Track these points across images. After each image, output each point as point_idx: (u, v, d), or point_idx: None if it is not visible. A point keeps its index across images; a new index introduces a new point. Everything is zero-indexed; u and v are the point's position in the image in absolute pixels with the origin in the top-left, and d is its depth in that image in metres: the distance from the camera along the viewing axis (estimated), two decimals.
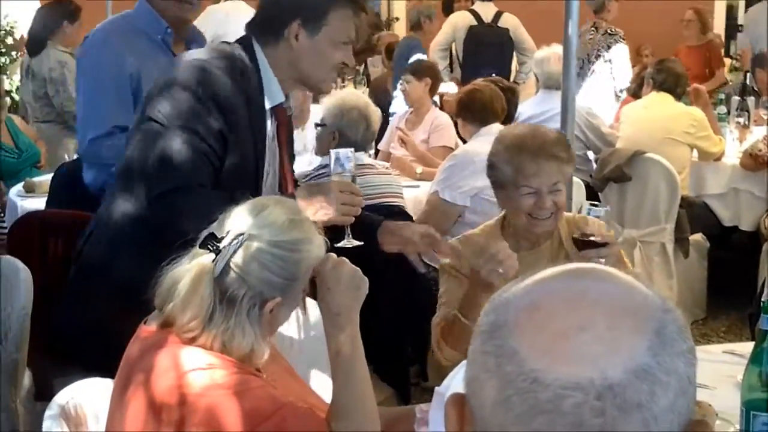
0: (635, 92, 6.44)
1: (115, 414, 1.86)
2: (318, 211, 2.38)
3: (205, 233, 1.82)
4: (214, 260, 1.76)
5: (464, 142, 4.91)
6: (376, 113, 4.36)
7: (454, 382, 1.92)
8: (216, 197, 2.24)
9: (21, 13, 8.50)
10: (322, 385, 2.27)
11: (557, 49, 5.61)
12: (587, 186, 5.13)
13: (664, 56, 9.76)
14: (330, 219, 2.39)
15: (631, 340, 0.79)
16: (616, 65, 7.06)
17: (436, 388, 1.95)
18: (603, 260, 2.48)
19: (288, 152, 2.72)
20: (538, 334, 0.81)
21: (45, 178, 4.67)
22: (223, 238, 1.78)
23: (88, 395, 2.07)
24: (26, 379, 3.20)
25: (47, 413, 1.99)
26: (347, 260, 1.93)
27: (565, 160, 2.72)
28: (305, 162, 5.04)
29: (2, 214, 4.10)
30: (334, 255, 1.91)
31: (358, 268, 1.92)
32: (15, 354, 2.97)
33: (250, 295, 1.77)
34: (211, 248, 1.77)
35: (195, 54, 2.52)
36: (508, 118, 4.80)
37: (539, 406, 0.77)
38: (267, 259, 1.77)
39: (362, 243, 2.22)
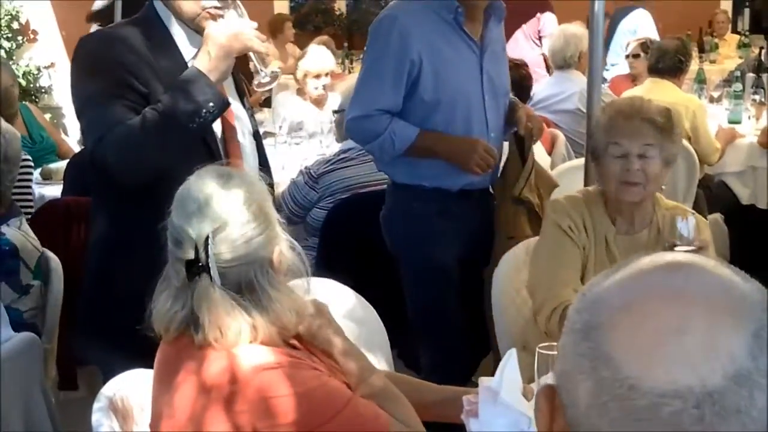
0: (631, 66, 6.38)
1: (159, 400, 1.82)
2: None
3: (176, 259, 1.76)
4: (210, 278, 1.71)
5: None
6: None
7: (506, 376, 1.89)
8: (133, 125, 2.28)
9: None
10: None
11: (574, 28, 5.58)
12: None
13: None
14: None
15: (731, 342, 0.76)
16: None
17: (485, 383, 1.92)
18: None
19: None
20: (633, 338, 0.78)
21: (62, 165, 4.63)
22: (197, 255, 1.72)
23: (133, 387, 2.06)
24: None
25: (96, 405, 1.97)
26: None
27: (663, 128, 2.61)
28: (316, 143, 5.05)
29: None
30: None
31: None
32: (47, 344, 2.96)
33: (258, 268, 1.75)
34: (197, 272, 1.72)
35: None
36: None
37: (636, 414, 0.76)
38: (242, 232, 1.73)
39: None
